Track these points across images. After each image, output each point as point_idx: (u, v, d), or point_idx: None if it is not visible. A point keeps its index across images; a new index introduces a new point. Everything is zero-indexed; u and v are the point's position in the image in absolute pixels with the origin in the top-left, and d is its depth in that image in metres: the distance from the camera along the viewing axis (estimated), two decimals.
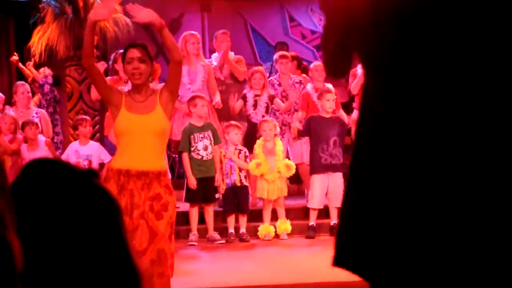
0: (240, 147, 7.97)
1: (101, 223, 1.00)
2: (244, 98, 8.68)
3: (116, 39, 9.87)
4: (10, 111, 8.60)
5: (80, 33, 9.73)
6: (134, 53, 4.58)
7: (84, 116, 8.68)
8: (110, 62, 8.85)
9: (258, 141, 8.01)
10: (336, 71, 2.35)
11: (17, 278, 0.84)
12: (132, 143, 4.55)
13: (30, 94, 8.83)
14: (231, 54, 9.07)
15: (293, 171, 8.03)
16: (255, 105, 8.63)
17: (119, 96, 4.63)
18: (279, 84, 9.03)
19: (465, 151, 1.92)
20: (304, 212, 8.26)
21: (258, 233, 7.82)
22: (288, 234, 7.85)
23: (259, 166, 7.82)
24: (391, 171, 2.00)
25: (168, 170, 4.79)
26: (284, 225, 7.85)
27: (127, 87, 7.92)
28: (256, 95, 8.65)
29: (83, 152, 7.95)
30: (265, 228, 7.83)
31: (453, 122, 1.93)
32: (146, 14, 4.55)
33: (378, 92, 2.07)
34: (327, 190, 7.90)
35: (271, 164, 7.90)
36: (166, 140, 4.74)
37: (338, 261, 2.17)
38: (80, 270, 0.93)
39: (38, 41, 9.80)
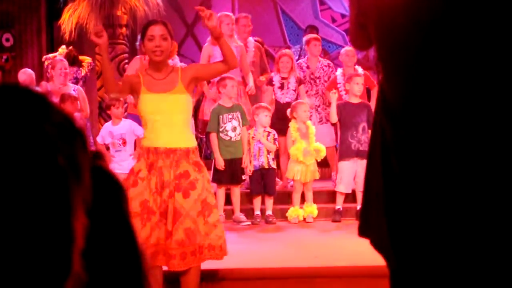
0: (269, 129, 7.95)
1: (104, 207, 1.00)
2: (271, 81, 8.66)
3: (146, 18, 9.86)
4: (47, 86, 8.64)
5: (111, 11, 9.76)
6: (156, 30, 4.58)
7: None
8: (138, 43, 8.86)
9: (292, 124, 7.96)
10: (357, 45, 2.39)
11: (74, 257, 0.87)
12: (157, 122, 4.55)
13: (68, 71, 8.83)
14: (250, 40, 9.00)
15: (323, 154, 7.99)
16: (281, 88, 8.61)
17: (136, 80, 4.63)
18: (307, 67, 9.00)
19: (483, 150, 1.90)
20: (330, 196, 8.24)
21: (287, 214, 7.81)
22: (313, 218, 7.83)
23: (305, 152, 7.86)
24: (406, 165, 2.00)
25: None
26: (310, 208, 7.83)
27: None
28: (282, 78, 8.63)
29: (116, 132, 8.01)
30: (294, 211, 7.81)
31: (467, 120, 1.91)
32: (214, 21, 4.55)
33: (394, 91, 2.06)
34: (355, 174, 7.87)
35: (307, 147, 7.89)
36: (190, 115, 4.75)
37: (361, 232, 2.21)
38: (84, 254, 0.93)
39: (69, 18, 9.83)
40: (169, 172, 4.49)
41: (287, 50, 9.15)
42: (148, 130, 4.63)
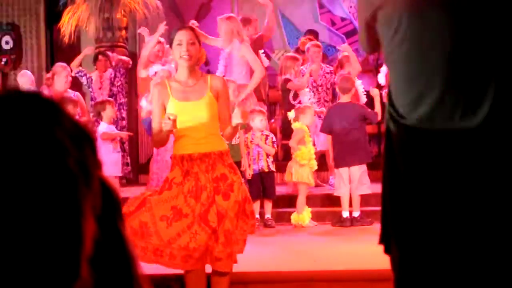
0: (267, 132, 7.95)
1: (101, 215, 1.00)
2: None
3: (145, 21, 9.88)
4: (45, 91, 8.62)
5: (110, 14, 9.77)
6: (184, 35, 4.59)
7: (108, 98, 8.70)
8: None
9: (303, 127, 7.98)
10: (366, 47, 2.40)
11: (82, 262, 0.88)
12: (188, 130, 4.56)
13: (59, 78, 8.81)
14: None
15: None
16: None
17: (164, 91, 4.63)
18: (310, 74, 9.00)
19: (488, 153, 1.90)
20: (327, 200, 8.26)
21: (296, 220, 7.76)
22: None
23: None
24: (416, 168, 2.00)
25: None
26: (307, 212, 7.83)
27: (164, 67, 8.00)
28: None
29: (116, 131, 8.02)
30: (297, 216, 7.79)
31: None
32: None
33: (401, 94, 2.07)
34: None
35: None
36: (218, 121, 4.72)
37: (382, 240, 2.22)
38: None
39: (68, 21, 9.85)
40: (205, 176, 4.50)
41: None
42: (178, 137, 4.62)
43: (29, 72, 9.24)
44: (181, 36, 4.59)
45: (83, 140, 0.91)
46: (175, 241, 4.41)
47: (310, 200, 7.99)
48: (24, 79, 8.96)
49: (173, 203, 4.46)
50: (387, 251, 2.20)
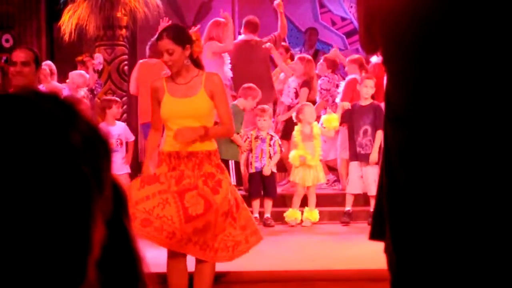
0: (272, 132, 7.95)
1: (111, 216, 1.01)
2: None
3: (146, 20, 9.87)
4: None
5: (111, 13, 9.76)
6: (163, 46, 4.59)
7: (114, 97, 8.73)
8: (148, 46, 8.91)
9: (296, 128, 7.95)
10: (366, 47, 2.40)
11: (89, 266, 0.88)
12: (179, 126, 4.54)
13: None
14: None
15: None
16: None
17: (160, 88, 4.65)
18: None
19: (491, 152, 1.89)
20: (334, 199, 8.24)
21: (285, 215, 7.76)
22: (313, 222, 7.78)
23: (302, 159, 7.79)
24: (418, 170, 2.00)
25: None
26: (309, 213, 7.80)
27: None
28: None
29: (114, 132, 8.01)
30: (293, 213, 7.78)
31: (478, 124, 1.90)
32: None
33: (399, 95, 2.06)
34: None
35: (310, 149, 7.87)
36: (212, 120, 4.71)
37: (372, 236, 2.21)
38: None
39: (69, 20, 9.82)
40: (192, 173, 4.50)
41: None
42: (169, 134, 4.62)
43: (84, 73, 9.29)
44: (160, 47, 4.61)
45: (98, 143, 0.91)
46: (141, 202, 4.39)
47: (322, 199, 8.01)
48: (81, 79, 9.05)
49: (152, 179, 4.51)
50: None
